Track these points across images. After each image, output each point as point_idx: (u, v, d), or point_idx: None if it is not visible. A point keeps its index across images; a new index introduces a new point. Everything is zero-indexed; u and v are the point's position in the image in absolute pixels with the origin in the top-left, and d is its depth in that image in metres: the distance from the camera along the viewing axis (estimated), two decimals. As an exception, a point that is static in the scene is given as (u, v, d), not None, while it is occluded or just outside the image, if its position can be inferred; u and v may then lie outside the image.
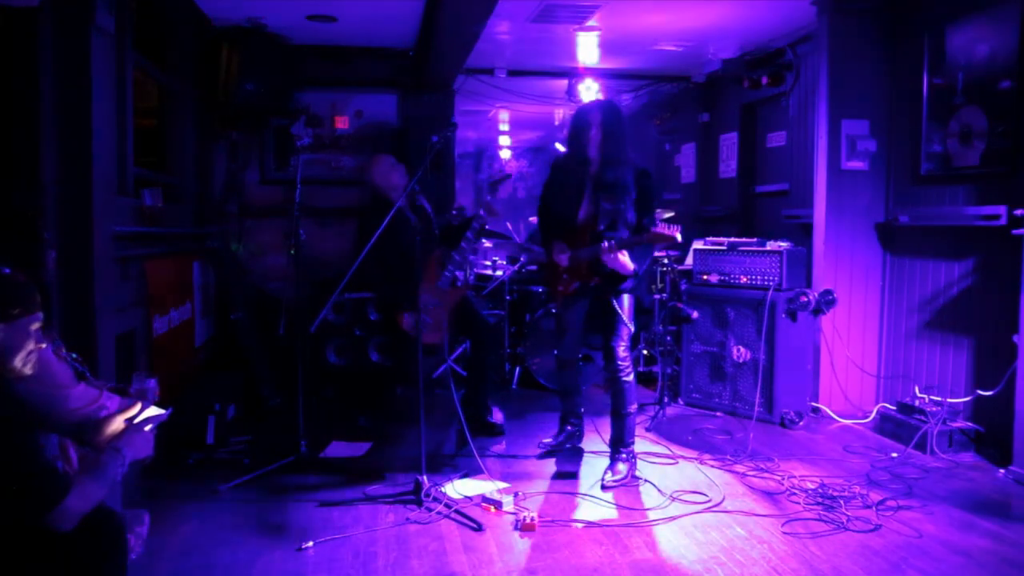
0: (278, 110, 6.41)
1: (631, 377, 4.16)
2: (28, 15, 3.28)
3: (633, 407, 4.19)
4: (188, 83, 5.71)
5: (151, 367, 4.32)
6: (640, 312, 6.84)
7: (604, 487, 4.04)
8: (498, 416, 5.11)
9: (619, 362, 4.13)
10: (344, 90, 6.83)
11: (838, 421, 5.29)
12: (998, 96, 4.49)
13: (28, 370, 2.11)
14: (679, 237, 3.81)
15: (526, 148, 13.91)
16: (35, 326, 2.13)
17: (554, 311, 4.43)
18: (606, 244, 3.92)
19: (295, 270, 4.43)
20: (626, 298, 4.17)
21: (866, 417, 5.29)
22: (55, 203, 3.42)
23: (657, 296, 6.44)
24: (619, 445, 4.22)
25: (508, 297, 6.47)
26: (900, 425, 4.78)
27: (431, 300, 4.65)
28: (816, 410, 5.40)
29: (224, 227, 6.40)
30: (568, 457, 4.55)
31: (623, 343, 4.14)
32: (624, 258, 3.92)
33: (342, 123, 6.86)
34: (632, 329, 4.18)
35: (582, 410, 4.65)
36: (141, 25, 4.58)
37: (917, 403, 4.74)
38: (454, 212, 5.63)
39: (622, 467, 4.15)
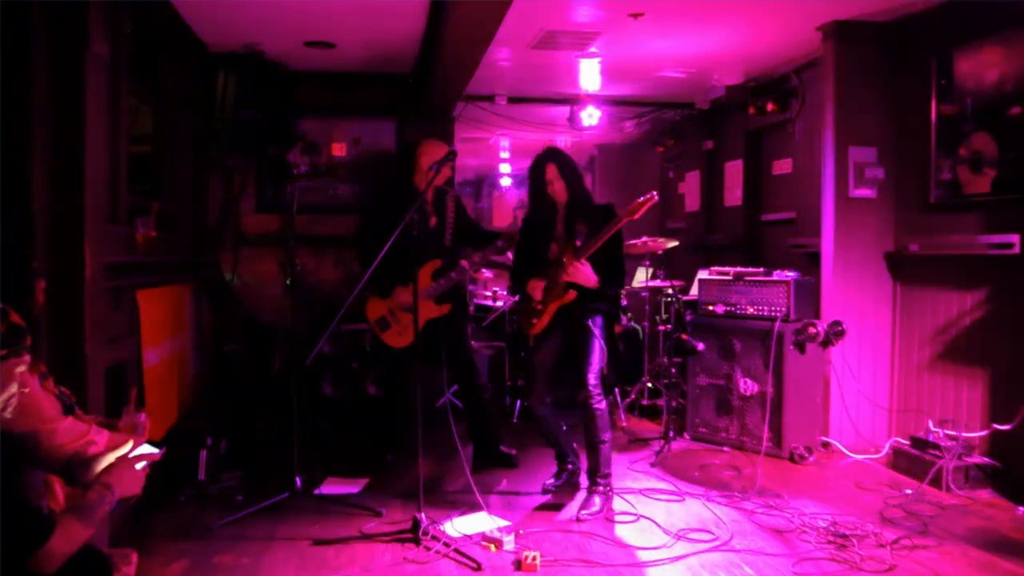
0: (275, 137, 6.33)
1: (603, 404, 4.19)
2: (21, 39, 3.21)
3: (607, 435, 4.21)
4: (184, 109, 5.64)
5: (142, 400, 4.20)
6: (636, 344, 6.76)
7: (578, 519, 4.04)
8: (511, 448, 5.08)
9: (590, 388, 4.15)
10: (342, 117, 6.75)
11: (849, 456, 5.15)
12: (1008, 122, 4.42)
13: (8, 414, 2.04)
14: (656, 196, 3.94)
15: (527, 176, 13.86)
16: (20, 369, 2.06)
17: (523, 355, 4.41)
18: (567, 256, 4.11)
19: (291, 300, 4.34)
20: (600, 321, 4.24)
21: (878, 452, 5.16)
22: (45, 231, 3.33)
23: (661, 327, 6.34)
24: (595, 475, 4.24)
25: (508, 328, 6.36)
26: (914, 460, 4.65)
27: (403, 304, 4.74)
28: (826, 445, 5.27)
29: (219, 256, 6.30)
30: (565, 491, 4.47)
31: (593, 371, 4.17)
32: (586, 269, 4.06)
33: (339, 150, 6.78)
34: (605, 355, 4.22)
35: (576, 445, 4.57)
36: (137, 51, 4.52)
37: (931, 437, 4.61)
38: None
39: (598, 500, 4.18)
